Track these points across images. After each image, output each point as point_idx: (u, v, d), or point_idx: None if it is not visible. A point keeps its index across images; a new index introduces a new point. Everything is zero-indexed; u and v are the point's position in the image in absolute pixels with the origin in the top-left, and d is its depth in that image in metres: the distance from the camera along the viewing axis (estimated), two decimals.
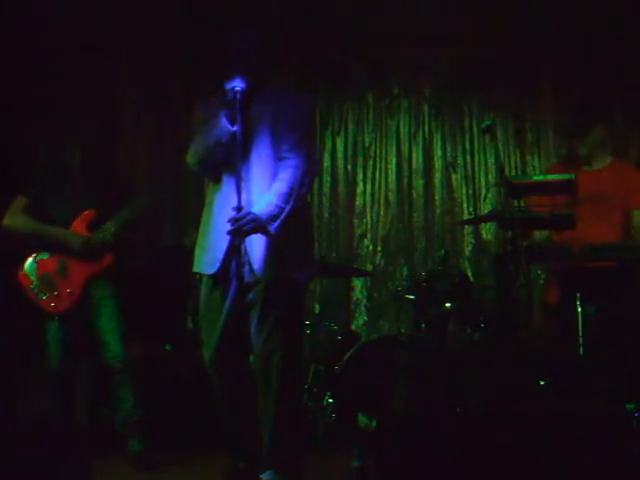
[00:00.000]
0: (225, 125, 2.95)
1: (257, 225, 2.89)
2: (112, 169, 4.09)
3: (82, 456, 2.81)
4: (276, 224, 2.93)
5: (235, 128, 2.92)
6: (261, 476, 2.97)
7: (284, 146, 3.02)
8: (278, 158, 3.02)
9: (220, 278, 3.00)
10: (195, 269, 3.12)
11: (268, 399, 2.97)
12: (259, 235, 2.94)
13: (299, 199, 3.02)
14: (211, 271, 3.02)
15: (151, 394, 3.99)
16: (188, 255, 5.14)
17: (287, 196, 2.97)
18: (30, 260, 3.73)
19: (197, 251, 3.14)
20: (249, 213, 2.89)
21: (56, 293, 3.69)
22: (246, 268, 2.95)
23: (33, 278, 3.70)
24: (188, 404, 4.15)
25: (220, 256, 2.99)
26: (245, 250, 2.94)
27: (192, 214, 5.23)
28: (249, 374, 3.08)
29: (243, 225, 2.86)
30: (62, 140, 3.91)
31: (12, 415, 3.51)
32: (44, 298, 3.69)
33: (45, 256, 3.73)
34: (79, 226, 3.74)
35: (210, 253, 3.04)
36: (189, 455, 3.84)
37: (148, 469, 3.63)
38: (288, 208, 2.96)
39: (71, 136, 3.85)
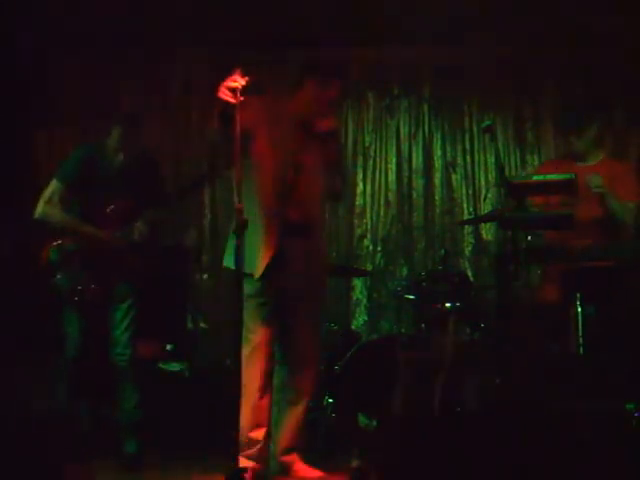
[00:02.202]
0: (216, 120, 2.99)
1: None
2: (149, 163, 3.90)
3: (82, 456, 2.82)
4: None
5: (222, 126, 2.97)
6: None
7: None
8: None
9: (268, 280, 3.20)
10: (248, 270, 3.12)
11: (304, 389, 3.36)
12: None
13: None
14: (257, 275, 3.18)
15: (151, 393, 3.99)
16: (188, 255, 5.19)
17: None
18: (55, 248, 3.68)
19: (249, 250, 3.07)
20: None
21: (80, 287, 3.66)
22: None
23: (57, 267, 3.66)
24: (188, 403, 4.15)
25: (267, 261, 3.17)
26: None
27: (192, 214, 5.28)
28: None
29: None
30: (103, 130, 3.81)
31: (15, 414, 3.52)
32: (66, 289, 3.65)
33: (72, 247, 3.68)
34: (114, 215, 3.68)
35: (261, 255, 3.17)
36: (188, 454, 3.84)
37: (137, 470, 3.62)
38: None
39: (115, 127, 3.75)
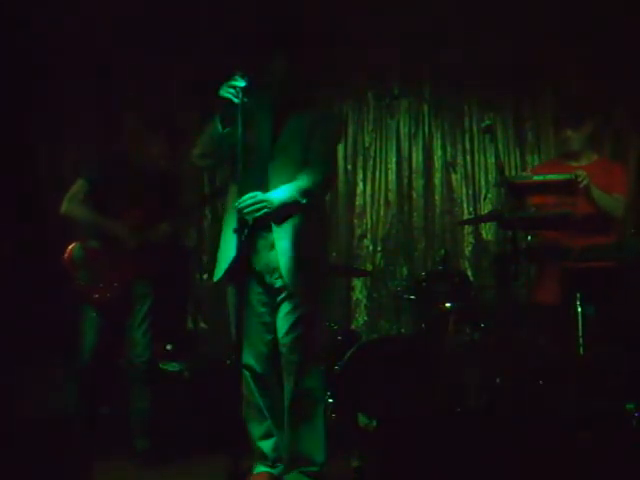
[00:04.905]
0: (217, 126, 2.92)
1: (266, 207, 2.87)
2: (168, 170, 4.01)
3: (83, 456, 2.82)
4: (283, 213, 2.93)
5: (227, 130, 2.87)
6: (285, 477, 3.04)
7: (313, 154, 3.02)
8: (304, 163, 3.01)
9: (241, 284, 2.96)
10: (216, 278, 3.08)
11: (297, 399, 3.03)
12: (286, 243, 2.95)
13: (316, 199, 3.02)
14: (216, 278, 3.02)
15: (151, 394, 3.99)
16: (188, 255, 5.19)
17: (305, 192, 2.95)
18: (78, 246, 3.70)
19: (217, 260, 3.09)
20: (256, 195, 2.86)
21: (101, 285, 3.66)
22: (274, 275, 2.99)
23: (80, 265, 3.67)
24: (188, 403, 4.16)
25: (227, 264, 2.98)
26: (273, 256, 2.97)
27: (192, 215, 5.27)
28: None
29: (250, 205, 2.84)
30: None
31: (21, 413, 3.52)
32: (88, 287, 3.66)
33: (94, 244, 3.71)
34: (128, 222, 3.70)
35: (222, 262, 3.01)
36: (189, 454, 3.84)
37: (154, 465, 3.65)
38: (302, 203, 2.95)
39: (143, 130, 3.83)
